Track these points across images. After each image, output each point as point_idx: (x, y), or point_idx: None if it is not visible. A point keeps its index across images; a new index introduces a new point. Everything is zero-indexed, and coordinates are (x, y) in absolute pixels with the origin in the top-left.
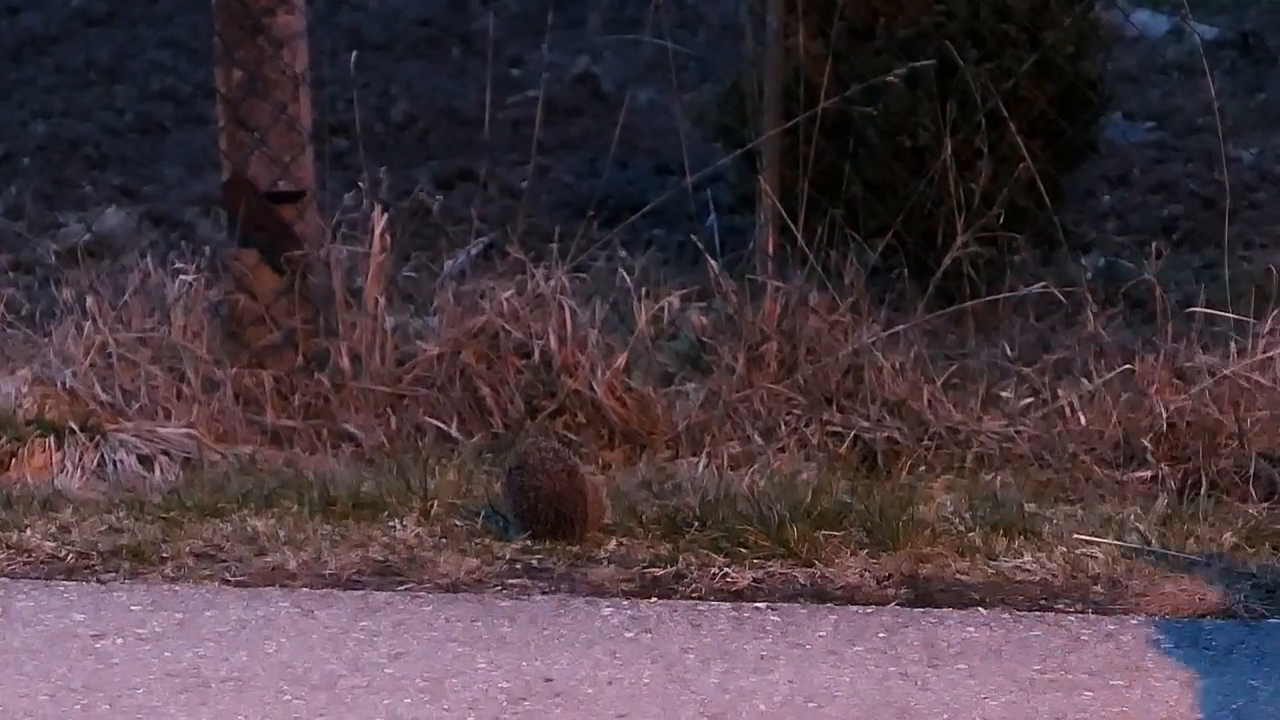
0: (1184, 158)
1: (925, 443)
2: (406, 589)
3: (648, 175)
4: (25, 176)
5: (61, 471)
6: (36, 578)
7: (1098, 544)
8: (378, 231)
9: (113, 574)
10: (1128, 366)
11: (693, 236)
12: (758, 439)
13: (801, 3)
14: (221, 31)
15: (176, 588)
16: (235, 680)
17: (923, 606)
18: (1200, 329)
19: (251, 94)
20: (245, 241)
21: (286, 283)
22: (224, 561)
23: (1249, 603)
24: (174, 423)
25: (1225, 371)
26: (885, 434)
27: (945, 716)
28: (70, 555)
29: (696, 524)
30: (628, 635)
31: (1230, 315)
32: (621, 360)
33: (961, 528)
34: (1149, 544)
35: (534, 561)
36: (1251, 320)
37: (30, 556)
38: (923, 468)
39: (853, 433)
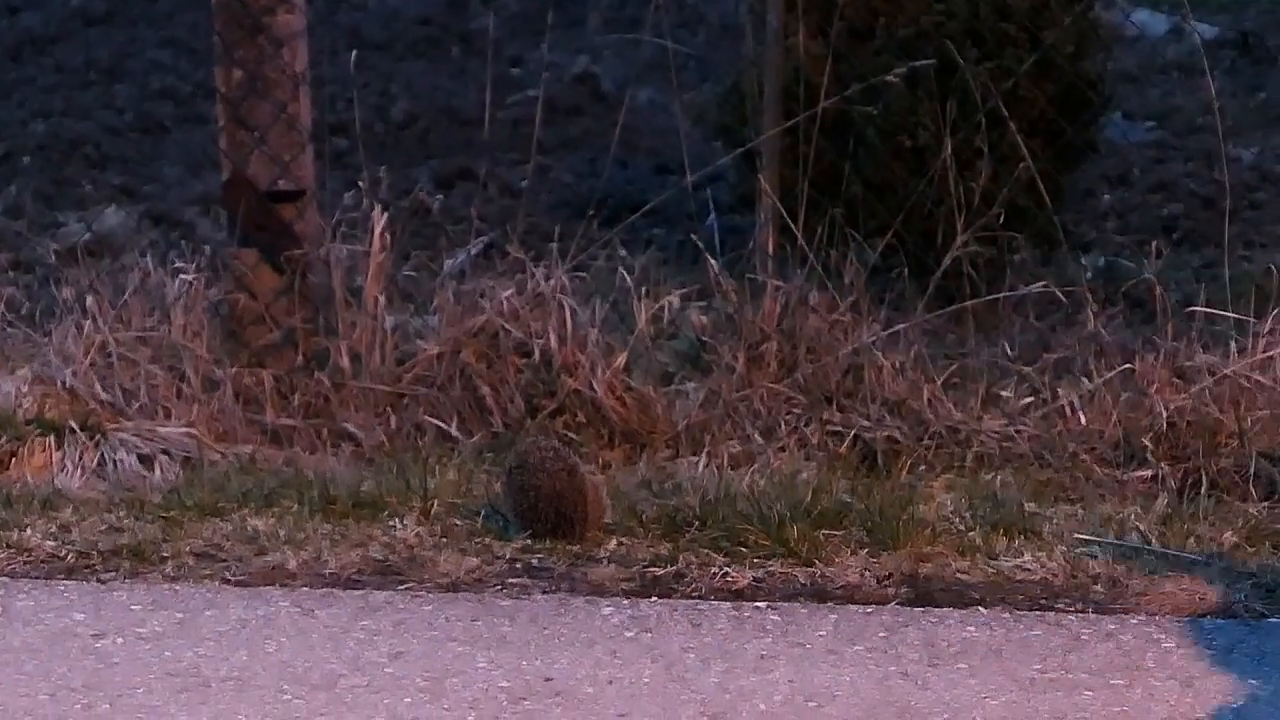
0: (1184, 157)
1: (925, 442)
2: (406, 588)
3: (648, 175)
4: (25, 176)
5: (61, 471)
6: (37, 577)
7: (1098, 543)
8: (377, 231)
9: (113, 573)
10: (1128, 366)
11: (693, 236)
12: (758, 438)
13: (801, 2)
14: (221, 31)
15: (176, 587)
16: (235, 680)
17: (923, 606)
18: (1200, 328)
19: (251, 93)
20: (245, 241)
21: (286, 282)
22: (224, 561)
23: (1249, 602)
24: (174, 422)
25: (1225, 371)
26: (885, 433)
27: (945, 716)
28: (70, 554)
29: (696, 523)
30: (628, 635)
31: (1230, 315)
32: (621, 360)
33: (962, 527)
34: (1149, 543)
35: (534, 561)
36: (1252, 320)
37: (30, 556)
38: (923, 467)
39: (853, 432)
